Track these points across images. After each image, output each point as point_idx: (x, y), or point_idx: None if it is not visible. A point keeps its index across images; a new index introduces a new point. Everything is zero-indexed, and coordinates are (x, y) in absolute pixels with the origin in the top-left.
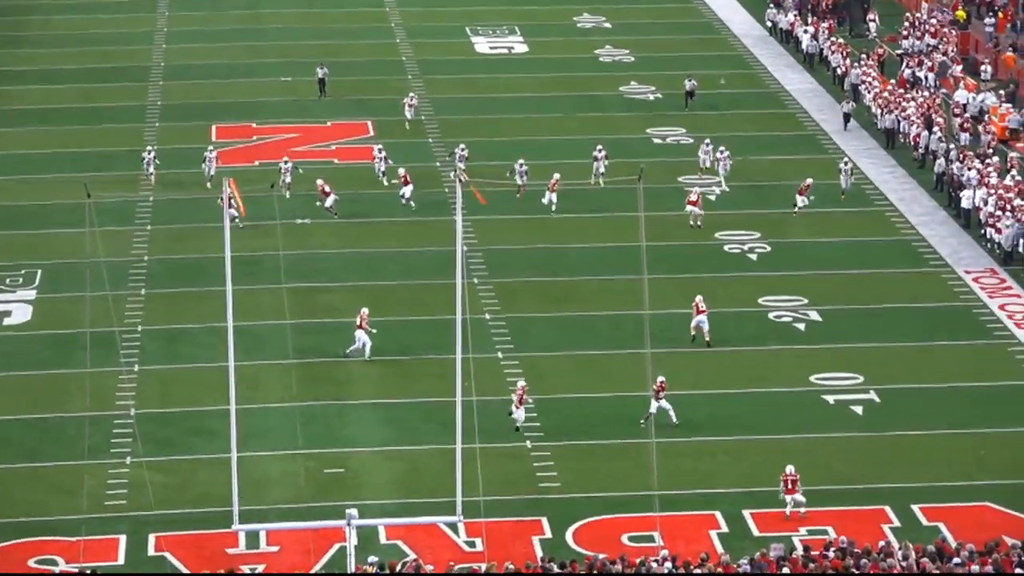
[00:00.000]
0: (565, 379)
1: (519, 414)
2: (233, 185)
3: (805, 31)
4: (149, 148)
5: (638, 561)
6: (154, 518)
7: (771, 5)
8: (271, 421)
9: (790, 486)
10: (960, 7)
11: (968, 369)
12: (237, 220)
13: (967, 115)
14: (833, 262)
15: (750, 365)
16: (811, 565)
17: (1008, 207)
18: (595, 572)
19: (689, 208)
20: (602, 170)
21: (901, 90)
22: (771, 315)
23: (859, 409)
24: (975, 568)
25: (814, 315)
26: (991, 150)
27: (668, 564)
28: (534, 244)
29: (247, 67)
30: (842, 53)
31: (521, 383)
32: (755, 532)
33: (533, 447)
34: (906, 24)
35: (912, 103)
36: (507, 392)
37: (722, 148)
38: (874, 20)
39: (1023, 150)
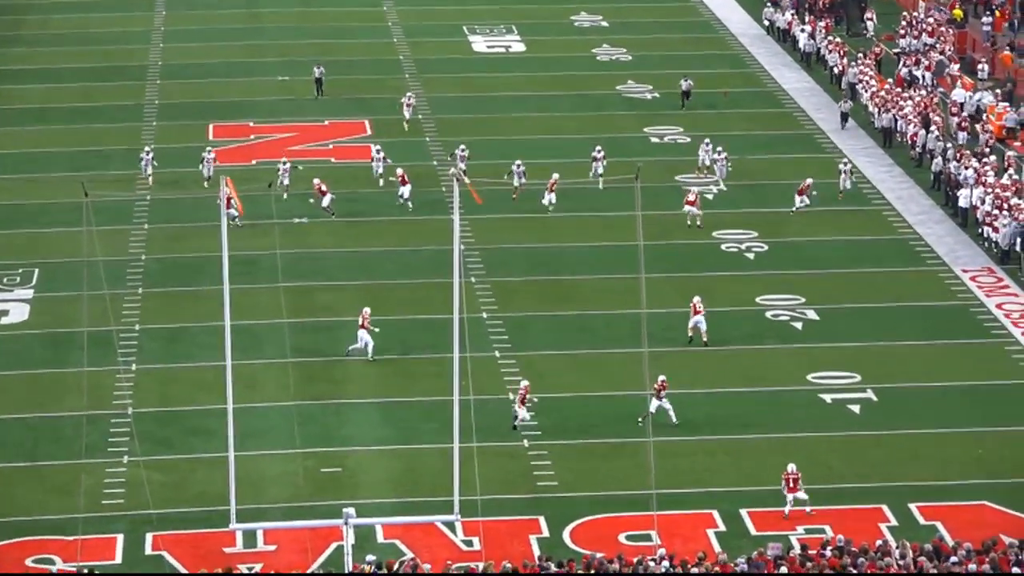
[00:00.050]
0: (563, 378)
1: (522, 413)
2: (230, 184)
3: (802, 30)
4: (147, 149)
5: (635, 560)
6: (152, 517)
7: (768, 4)
8: (269, 420)
9: (792, 484)
10: (957, 6)
11: (966, 368)
12: (237, 220)
13: (964, 114)
14: (830, 261)
15: (747, 364)
16: (808, 564)
17: (1005, 206)
18: (593, 571)
19: (687, 208)
20: (600, 171)
21: (898, 89)
22: (768, 314)
23: (856, 408)
24: (972, 567)
25: (811, 314)
26: (988, 148)
27: (665, 563)
28: (531, 243)
29: (244, 66)
30: (839, 52)
31: (524, 383)
32: (752, 531)
33: (531, 446)
34: (903, 23)
35: (909, 102)
36: (505, 391)
37: (719, 149)
38: (871, 19)
39: (1021, 149)
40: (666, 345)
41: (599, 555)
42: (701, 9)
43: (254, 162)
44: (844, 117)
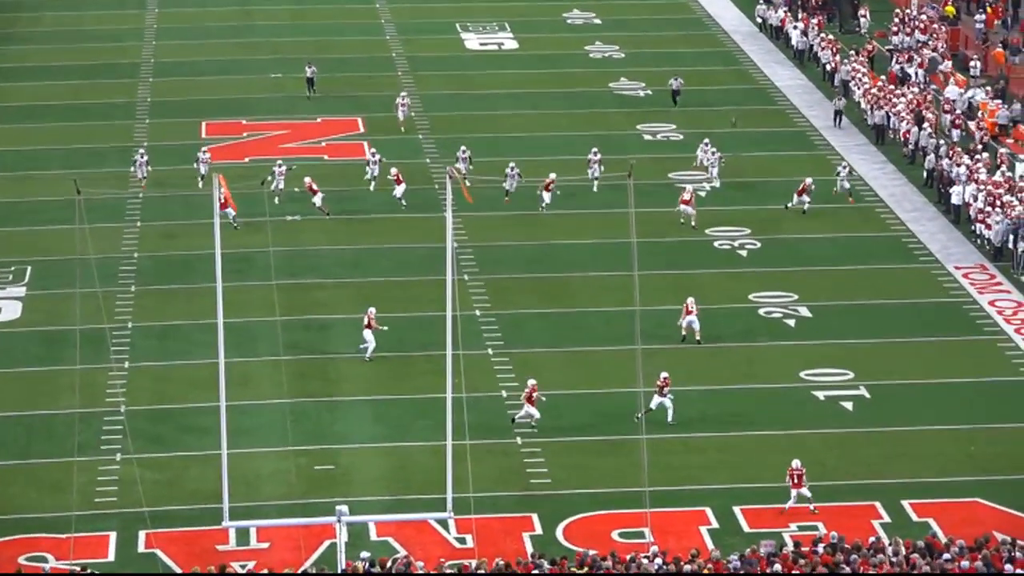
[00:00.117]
0: (556, 375)
1: (532, 411)
2: (223, 182)
3: (795, 27)
4: (141, 151)
5: (628, 557)
6: (144, 515)
7: (761, 1)
8: (262, 418)
9: (796, 480)
10: (950, 3)
11: (958, 365)
12: (234, 223)
13: (958, 112)
14: (823, 258)
15: (740, 361)
16: (801, 561)
17: (998, 203)
18: (586, 569)
19: (682, 207)
20: (597, 174)
21: (891, 86)
22: (761, 311)
23: (849, 405)
24: (965, 564)
25: (804, 311)
26: (981, 145)
27: (659, 560)
28: (525, 241)
29: (237, 64)
30: (832, 49)
31: (532, 381)
32: (745, 528)
33: (523, 443)
34: (896, 20)
35: (902, 99)
36: (498, 389)
37: (714, 150)
38: (864, 16)
39: (1013, 146)
40: (659, 342)
41: (592, 552)
42: (694, 6)
43: (247, 160)
44: (837, 115)
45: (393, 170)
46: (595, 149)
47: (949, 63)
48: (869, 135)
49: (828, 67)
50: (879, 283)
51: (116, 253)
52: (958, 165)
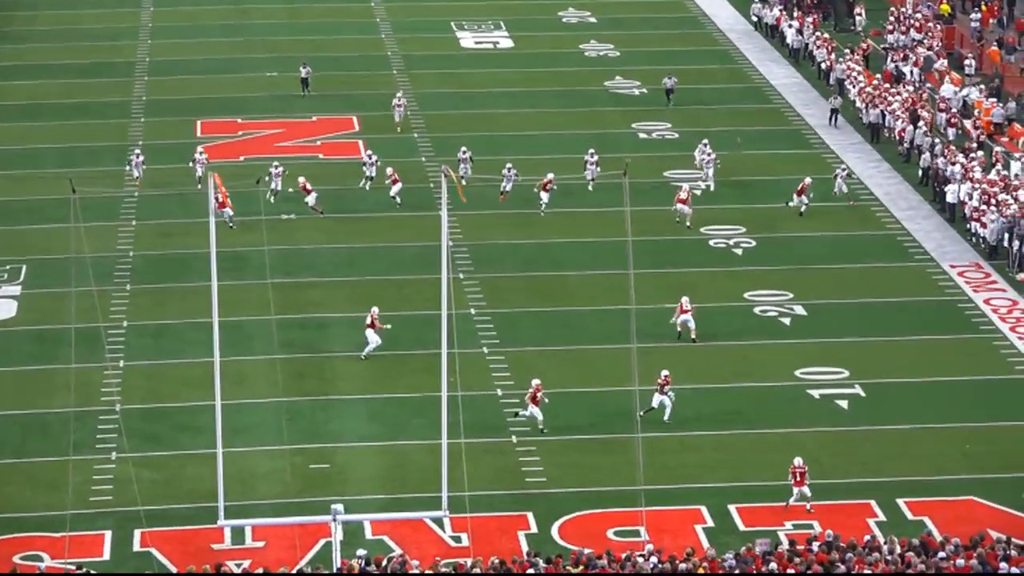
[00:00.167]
0: (551, 374)
1: (535, 411)
2: (218, 181)
3: (790, 26)
4: (137, 152)
5: (624, 556)
6: (140, 514)
7: (756, 0)
8: (257, 416)
9: (798, 478)
10: (945, 1)
11: (953, 363)
12: (230, 223)
13: (953, 110)
14: (818, 257)
15: (735, 360)
16: (796, 559)
17: (993, 201)
18: (581, 567)
19: (679, 207)
20: (593, 175)
21: (886, 85)
22: (756, 310)
23: (844, 403)
24: (960, 562)
25: (799, 309)
26: (976, 144)
27: (654, 559)
28: (520, 239)
29: (232, 62)
30: (827, 48)
31: (536, 381)
32: (741, 527)
33: (519, 442)
34: (891, 18)
35: (897, 98)
36: (493, 387)
37: (710, 151)
38: (860, 14)
39: (1008, 144)
40: (655, 341)
41: (587, 551)
42: (689, 5)
43: (242, 158)
44: (833, 114)
45: (389, 169)
46: (592, 150)
47: (944, 62)
48: (864, 134)
49: (823, 66)
50: (874, 281)
51: (111, 252)
52: (953, 164)
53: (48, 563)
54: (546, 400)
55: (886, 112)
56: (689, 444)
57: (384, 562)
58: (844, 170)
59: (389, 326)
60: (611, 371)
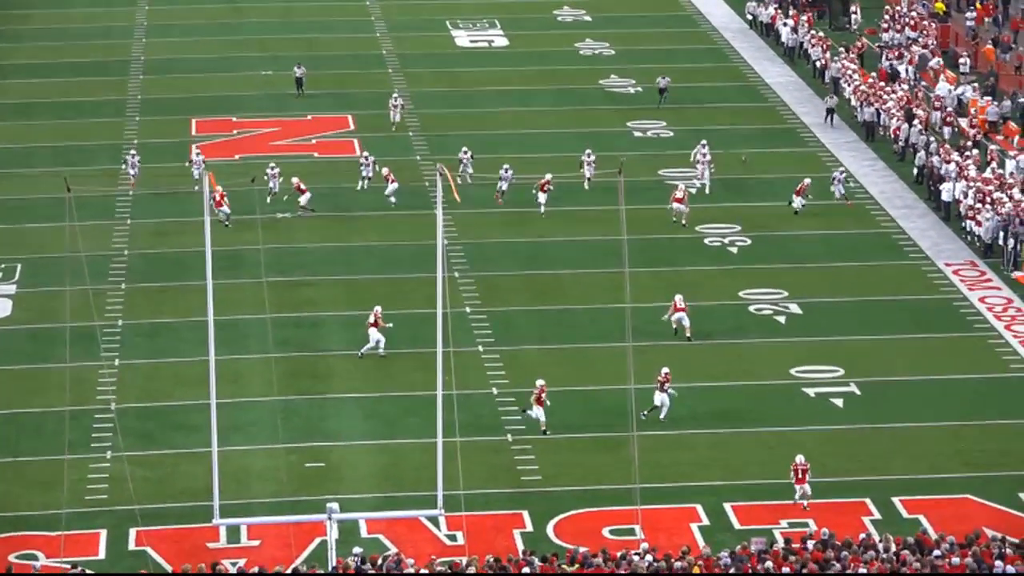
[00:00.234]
0: (546, 373)
1: (538, 412)
2: (212, 180)
3: (785, 24)
4: (133, 152)
5: (619, 554)
6: (135, 513)
7: None
8: (252, 415)
9: (800, 475)
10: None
11: (949, 362)
12: (226, 222)
13: (949, 109)
14: (813, 255)
15: (731, 358)
16: (792, 558)
17: (988, 199)
18: (576, 565)
19: (675, 205)
20: (590, 175)
21: (882, 83)
22: (751, 308)
23: (839, 402)
24: (955, 560)
25: (794, 308)
26: (971, 142)
27: (649, 557)
28: (515, 238)
29: (227, 61)
30: (822, 46)
31: (540, 382)
32: (736, 525)
33: (514, 440)
34: (886, 17)
35: (892, 96)
36: (488, 386)
37: (705, 152)
38: (855, 12)
39: (1003, 143)
40: (650, 339)
41: (583, 549)
42: (684, 3)
43: (237, 157)
44: (829, 113)
45: (384, 170)
46: (588, 151)
47: (939, 60)
48: (859, 132)
49: (818, 64)
50: (870, 280)
51: (106, 251)
52: (947, 162)
53: (43, 562)
54: (547, 403)
55: (881, 110)
56: (684, 442)
57: (379, 561)
58: (842, 172)
59: (391, 325)
60: (606, 369)
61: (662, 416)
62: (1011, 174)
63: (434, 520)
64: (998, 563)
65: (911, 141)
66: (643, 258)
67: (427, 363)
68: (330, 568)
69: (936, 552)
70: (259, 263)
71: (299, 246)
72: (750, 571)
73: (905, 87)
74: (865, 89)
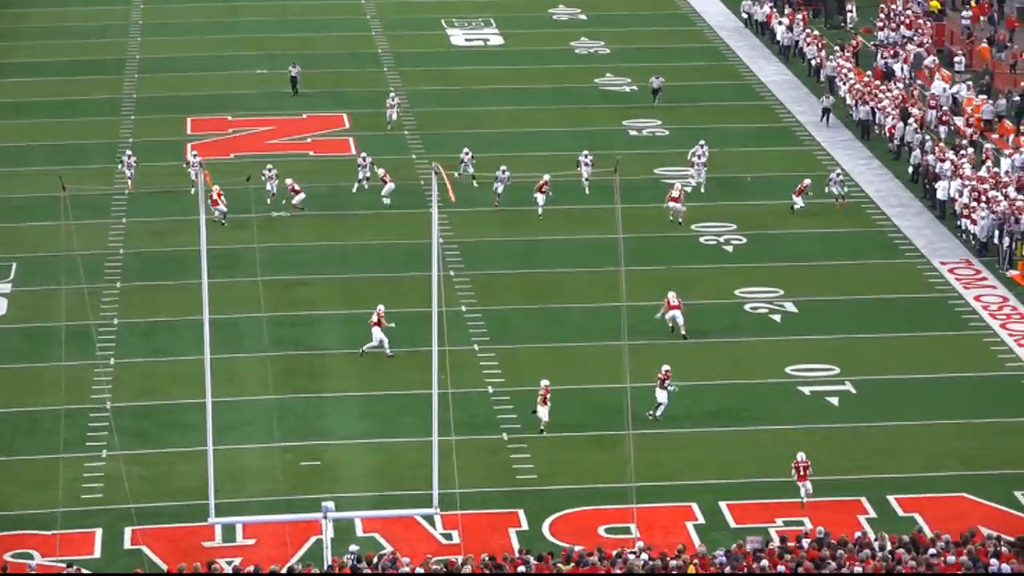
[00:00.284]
0: (542, 371)
1: (542, 413)
2: (208, 178)
3: (780, 23)
4: (128, 152)
5: (615, 553)
6: (130, 511)
7: None
8: (248, 414)
9: (801, 473)
10: None
11: (944, 360)
12: (223, 220)
13: (945, 108)
14: (809, 254)
15: (726, 357)
16: (787, 556)
17: (983, 198)
18: (572, 564)
19: (671, 205)
20: (586, 176)
21: (877, 81)
22: (747, 306)
23: (835, 400)
24: (951, 559)
25: (790, 306)
26: (968, 141)
27: (644, 556)
28: (510, 237)
29: (223, 59)
30: (817, 45)
31: (545, 382)
32: (732, 523)
33: (510, 439)
34: (881, 15)
35: (888, 95)
36: (484, 385)
37: (700, 153)
38: (851, 11)
39: (998, 141)
40: (646, 338)
41: (578, 548)
42: (679, 2)
43: (232, 156)
44: (825, 113)
45: (380, 171)
46: (586, 152)
47: (934, 59)
48: (855, 131)
49: (813, 63)
50: (865, 278)
51: (102, 249)
52: (942, 161)
53: (39, 561)
54: (547, 405)
55: (876, 109)
56: (680, 441)
57: (375, 560)
58: (839, 175)
59: (394, 325)
60: (602, 368)
61: (659, 414)
62: (1006, 172)
63: (430, 519)
64: (993, 561)
65: (906, 140)
66: (639, 257)
67: (423, 362)
68: (325, 567)
69: (931, 550)
70: (255, 262)
71: (295, 245)
72: (746, 569)
73: (900, 86)
74: (860, 88)
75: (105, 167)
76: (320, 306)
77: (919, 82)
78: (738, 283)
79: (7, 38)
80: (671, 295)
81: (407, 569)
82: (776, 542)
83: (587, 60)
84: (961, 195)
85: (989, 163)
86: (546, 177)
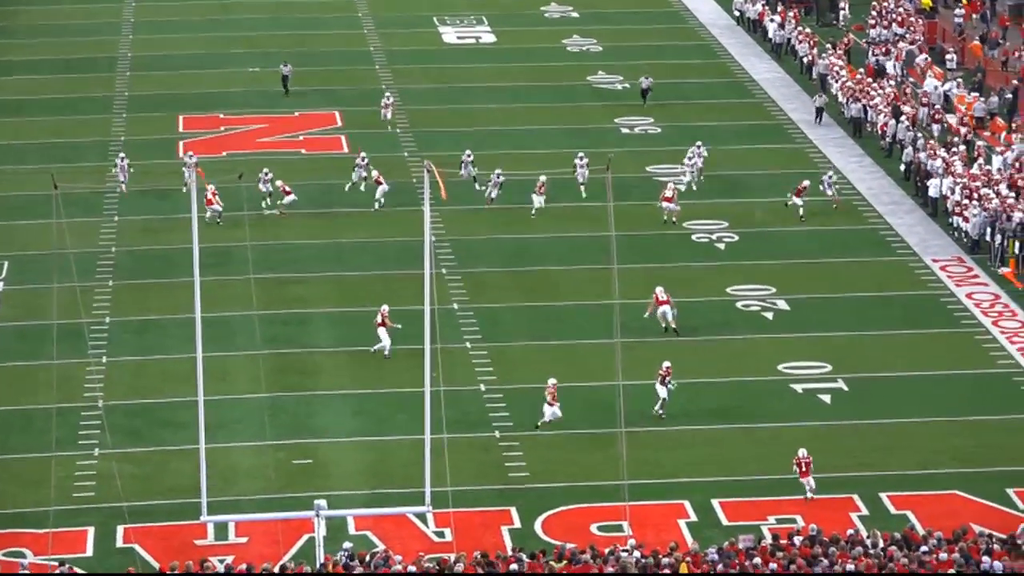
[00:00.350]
0: (534, 369)
1: (555, 411)
2: (201, 174)
3: (772, 20)
4: (122, 155)
5: (607, 551)
6: (123, 510)
7: None
8: (240, 412)
9: (804, 469)
10: None
11: (936, 357)
12: (218, 219)
13: (937, 106)
14: (801, 251)
15: (718, 354)
16: (779, 554)
17: (975, 196)
18: (564, 562)
19: (664, 205)
20: (583, 179)
21: (869, 79)
22: (739, 304)
23: (827, 398)
24: (943, 556)
25: (782, 304)
26: (961, 139)
27: (637, 553)
28: (502, 234)
29: (215, 58)
30: (809, 42)
31: (552, 380)
32: (724, 521)
33: (502, 437)
34: (873, 13)
35: (879, 92)
36: (476, 382)
37: (690, 156)
38: (843, 8)
39: (990, 139)
40: (638, 336)
41: (571, 546)
42: (671, 0)
43: (224, 154)
44: (819, 112)
45: (375, 172)
46: (581, 153)
47: (926, 56)
48: (846, 128)
49: (805, 60)
50: (857, 276)
51: (94, 248)
52: (933, 158)
53: (31, 559)
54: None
55: (868, 107)
56: (672, 439)
57: (367, 558)
58: (830, 176)
59: (400, 326)
60: (594, 366)
61: (656, 407)
62: (998, 170)
63: (422, 517)
64: (985, 559)
65: (898, 137)
66: (631, 254)
67: (415, 359)
68: (318, 565)
69: (923, 548)
70: (247, 260)
71: (287, 243)
72: (738, 567)
73: (892, 83)
74: (852, 85)
75: (97, 165)
76: (313, 304)
77: (911, 80)
78: (730, 281)
79: None
80: (659, 290)
81: (399, 567)
82: (768, 540)
83: (579, 58)
84: (953, 192)
85: (981, 160)
86: (543, 179)
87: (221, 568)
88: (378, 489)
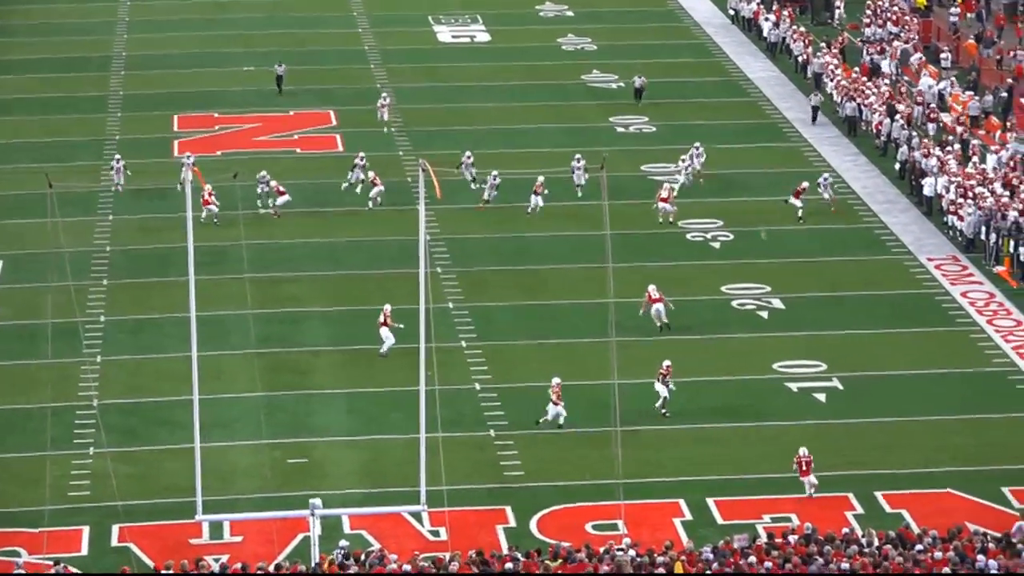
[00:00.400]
0: (529, 368)
1: (559, 410)
2: (198, 174)
3: (767, 19)
4: (117, 156)
5: (602, 549)
6: (118, 509)
7: None
8: (235, 411)
9: (804, 467)
10: None
11: (931, 356)
12: (216, 220)
13: (932, 105)
14: (796, 250)
15: (713, 353)
16: (774, 553)
17: (970, 194)
18: (559, 560)
19: (660, 205)
20: (581, 181)
21: (864, 78)
22: (734, 303)
23: (822, 396)
24: (938, 555)
25: (777, 303)
26: (956, 138)
27: (632, 552)
28: (497, 233)
29: (209, 56)
30: (804, 41)
31: (556, 379)
32: (719, 520)
33: (497, 436)
34: (868, 12)
35: (874, 91)
36: (471, 381)
37: (684, 158)
38: (838, 7)
39: (984, 137)
40: (633, 335)
41: (566, 545)
42: None
43: (219, 153)
44: (815, 111)
45: (371, 173)
46: (578, 155)
47: (921, 55)
48: (841, 127)
49: (800, 59)
50: (852, 275)
51: (88, 247)
52: (928, 157)
53: (26, 558)
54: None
55: (863, 106)
56: (667, 438)
57: (362, 557)
58: (827, 177)
59: (402, 325)
60: (589, 365)
61: (658, 403)
62: (993, 169)
63: (417, 516)
64: (980, 557)
65: (893, 136)
66: (626, 253)
67: (410, 359)
68: (313, 564)
69: (918, 546)
70: (242, 259)
71: (282, 242)
72: (732, 566)
73: (887, 82)
74: (847, 84)
75: (92, 164)
76: (307, 303)
77: (906, 79)
78: (725, 280)
79: None
80: (651, 288)
81: (394, 566)
82: (763, 539)
83: (574, 57)
84: (948, 191)
85: (975, 159)
86: (541, 179)
87: (216, 567)
88: (373, 488)
